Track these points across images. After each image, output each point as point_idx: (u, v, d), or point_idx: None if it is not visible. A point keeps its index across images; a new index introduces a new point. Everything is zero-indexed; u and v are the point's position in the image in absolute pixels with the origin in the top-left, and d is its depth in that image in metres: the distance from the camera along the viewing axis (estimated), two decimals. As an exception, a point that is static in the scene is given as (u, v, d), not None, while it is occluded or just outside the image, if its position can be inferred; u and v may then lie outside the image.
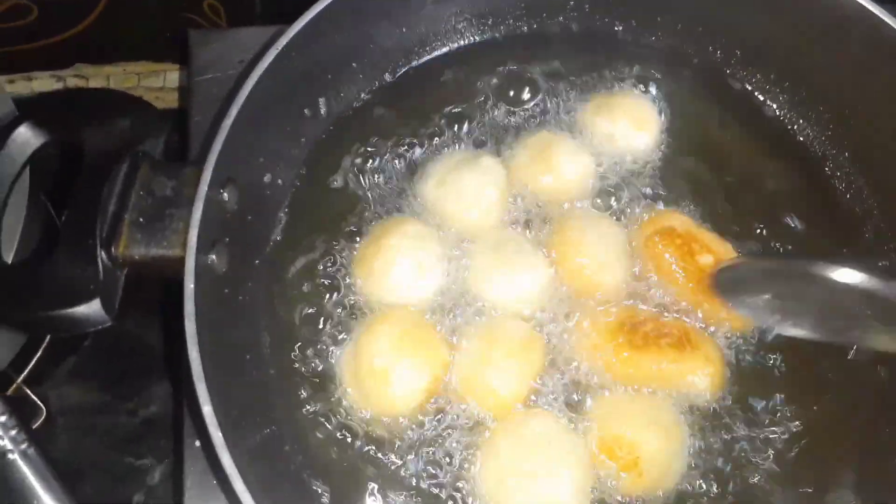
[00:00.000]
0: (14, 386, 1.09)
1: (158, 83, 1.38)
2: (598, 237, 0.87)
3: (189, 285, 0.69)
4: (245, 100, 0.76)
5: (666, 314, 0.85)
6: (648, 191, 0.92)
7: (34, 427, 1.07)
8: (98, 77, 1.38)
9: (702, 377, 0.80)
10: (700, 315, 0.85)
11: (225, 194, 0.76)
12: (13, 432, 0.88)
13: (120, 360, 1.16)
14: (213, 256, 0.74)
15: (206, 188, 0.72)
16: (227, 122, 0.75)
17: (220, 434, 0.64)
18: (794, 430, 0.81)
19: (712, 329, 0.84)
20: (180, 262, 0.70)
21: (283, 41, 0.80)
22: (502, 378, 0.79)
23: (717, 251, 0.86)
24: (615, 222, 0.90)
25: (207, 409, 0.64)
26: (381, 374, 0.78)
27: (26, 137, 0.77)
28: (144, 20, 1.32)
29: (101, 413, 1.12)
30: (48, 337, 1.13)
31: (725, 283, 0.83)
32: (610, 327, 0.82)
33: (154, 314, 1.16)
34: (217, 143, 0.74)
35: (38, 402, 1.09)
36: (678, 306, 0.85)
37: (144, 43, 1.36)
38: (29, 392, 1.10)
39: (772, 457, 0.79)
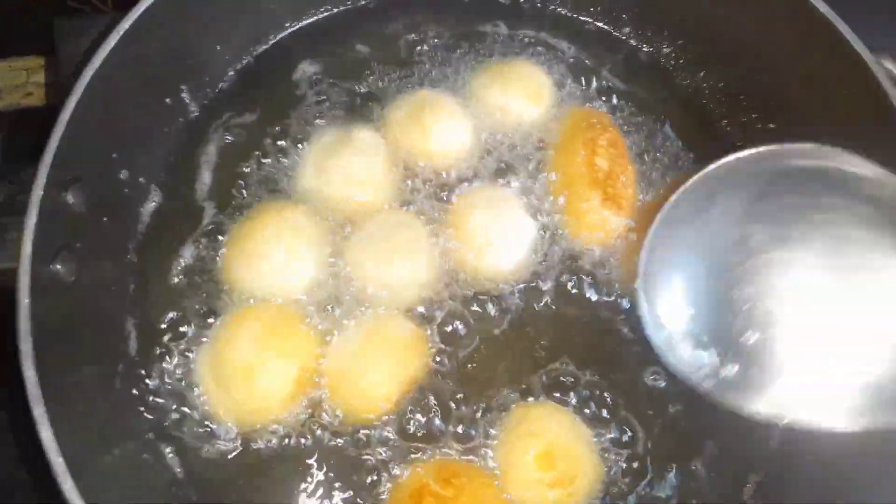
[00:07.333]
0: None
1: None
2: (496, 216, 0.82)
3: (24, 300, 0.63)
4: (85, 90, 0.70)
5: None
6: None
7: None
8: (-20, 74, 1.29)
9: None
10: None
11: (69, 196, 0.70)
12: None
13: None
14: (59, 265, 0.68)
15: (41, 192, 0.66)
16: (65, 116, 0.69)
17: (62, 460, 0.59)
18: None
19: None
20: (15, 274, 0.64)
21: (126, 24, 0.73)
22: (371, 379, 0.74)
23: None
24: (512, 194, 0.85)
25: (47, 434, 0.59)
26: (240, 373, 0.73)
27: None
28: (23, 11, 1.23)
29: None
30: None
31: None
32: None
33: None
34: (53, 140, 0.68)
35: None
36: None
37: (31, 36, 1.27)
38: None
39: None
